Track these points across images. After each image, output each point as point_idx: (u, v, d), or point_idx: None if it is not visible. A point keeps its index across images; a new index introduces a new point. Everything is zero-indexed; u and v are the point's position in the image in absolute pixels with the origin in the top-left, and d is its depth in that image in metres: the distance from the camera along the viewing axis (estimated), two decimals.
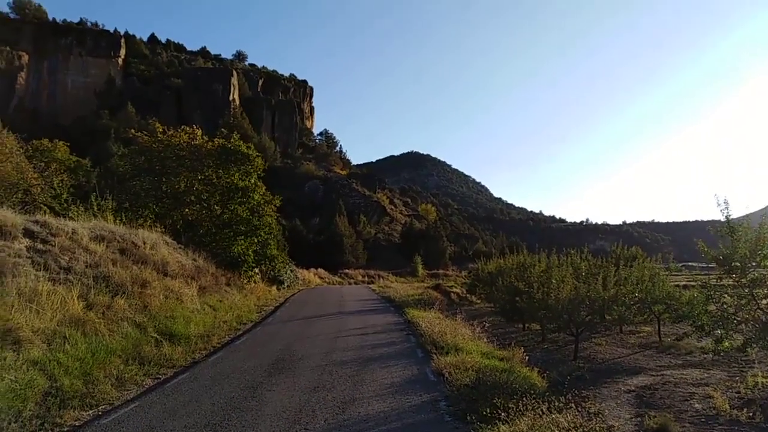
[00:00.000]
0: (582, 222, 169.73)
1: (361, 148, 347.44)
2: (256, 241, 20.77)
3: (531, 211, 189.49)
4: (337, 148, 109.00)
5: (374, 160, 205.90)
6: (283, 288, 25.41)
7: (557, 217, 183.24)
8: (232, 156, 20.59)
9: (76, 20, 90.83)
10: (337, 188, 78.33)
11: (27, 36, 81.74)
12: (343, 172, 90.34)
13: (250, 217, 20.63)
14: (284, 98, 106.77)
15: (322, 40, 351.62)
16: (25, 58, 79.62)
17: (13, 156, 15.23)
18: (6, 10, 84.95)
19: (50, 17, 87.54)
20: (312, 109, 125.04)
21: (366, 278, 43.65)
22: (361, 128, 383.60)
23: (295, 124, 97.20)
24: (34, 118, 74.16)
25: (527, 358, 9.30)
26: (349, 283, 40.64)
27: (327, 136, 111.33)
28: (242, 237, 20.29)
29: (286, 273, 26.98)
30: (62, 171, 19.31)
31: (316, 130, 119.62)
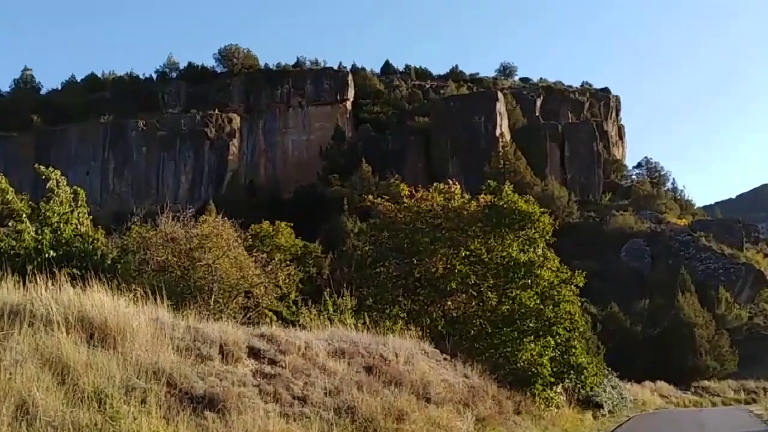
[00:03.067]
0: None
1: (709, 179, 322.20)
2: (552, 342, 20.44)
3: None
4: (669, 185, 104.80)
5: (734, 196, 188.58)
6: (603, 415, 24.36)
7: None
8: (505, 218, 21.13)
9: (291, 61, 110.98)
10: (673, 248, 73.98)
11: (237, 91, 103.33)
12: (682, 221, 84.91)
13: (540, 306, 20.49)
14: (576, 119, 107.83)
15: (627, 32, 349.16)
16: (236, 120, 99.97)
17: (231, 249, 18.53)
18: (211, 62, 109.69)
19: (261, 64, 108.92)
20: (621, 130, 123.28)
21: (742, 395, 39.16)
22: (703, 149, 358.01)
23: (596, 155, 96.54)
24: (250, 193, 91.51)
25: None
26: (712, 404, 36.73)
27: (649, 168, 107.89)
28: (531, 337, 20.22)
29: (604, 391, 26.10)
30: (288, 262, 22.58)
31: (629, 161, 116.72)
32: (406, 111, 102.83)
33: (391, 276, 20.92)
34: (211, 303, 16.78)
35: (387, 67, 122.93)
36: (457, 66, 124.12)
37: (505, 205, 21.37)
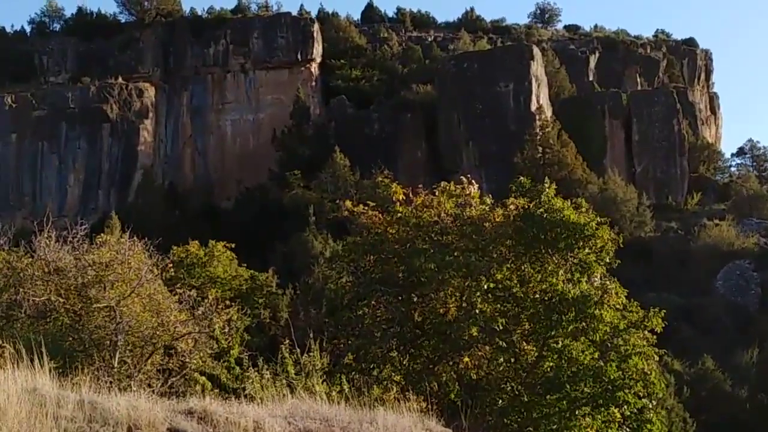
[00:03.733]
0: None
1: None
2: (617, 416, 20.43)
3: None
4: None
5: None
6: None
7: None
8: (545, 233, 21.14)
9: (230, 5, 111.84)
10: None
11: (150, 50, 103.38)
12: None
13: (600, 362, 20.51)
14: (648, 86, 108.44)
15: None
16: (150, 92, 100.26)
17: (144, 284, 18.47)
18: (111, 8, 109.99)
19: (186, 9, 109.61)
20: (714, 101, 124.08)
21: None
22: None
23: (678, 138, 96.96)
24: (171, 201, 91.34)
25: None
26: None
27: (756, 156, 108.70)
28: (587, 408, 20.22)
29: None
30: (228, 301, 22.50)
31: (726, 146, 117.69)
32: (400, 76, 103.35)
33: (379, 321, 20.95)
34: (115, 364, 16.72)
35: (370, 11, 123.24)
36: (472, 9, 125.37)
37: (545, 214, 21.43)
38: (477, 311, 20.58)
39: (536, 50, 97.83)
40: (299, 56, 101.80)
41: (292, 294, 48.36)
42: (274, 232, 73.80)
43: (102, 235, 22.90)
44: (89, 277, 18.44)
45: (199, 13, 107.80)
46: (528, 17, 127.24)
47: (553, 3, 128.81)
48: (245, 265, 48.34)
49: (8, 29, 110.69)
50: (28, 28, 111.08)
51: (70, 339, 17.20)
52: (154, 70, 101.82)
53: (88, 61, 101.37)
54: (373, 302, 20.82)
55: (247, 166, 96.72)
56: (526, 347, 20.68)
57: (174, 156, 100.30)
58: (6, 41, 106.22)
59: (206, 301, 20.78)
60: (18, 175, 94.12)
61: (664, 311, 22.24)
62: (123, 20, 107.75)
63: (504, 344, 20.64)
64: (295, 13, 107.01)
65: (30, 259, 19.47)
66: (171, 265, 25.34)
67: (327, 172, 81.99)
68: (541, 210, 21.41)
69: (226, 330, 19.62)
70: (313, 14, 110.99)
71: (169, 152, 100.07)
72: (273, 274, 52.61)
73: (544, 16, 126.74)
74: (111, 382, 13.24)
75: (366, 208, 23.15)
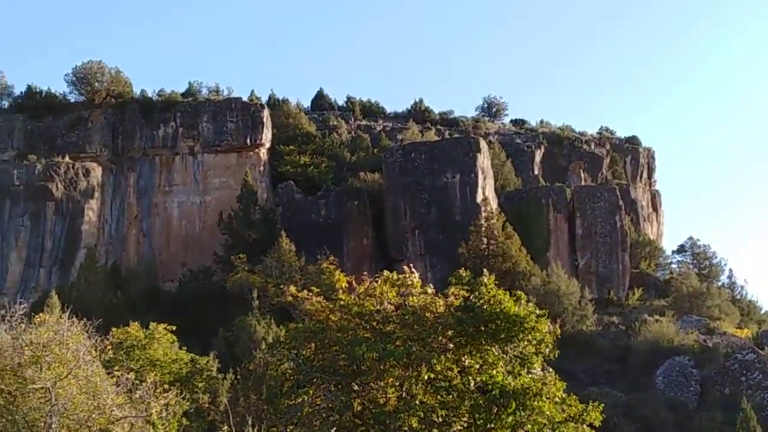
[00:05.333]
0: None
1: None
2: None
3: None
4: (724, 278, 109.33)
5: None
6: None
7: None
8: (485, 324, 21.32)
9: (181, 88, 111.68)
10: (732, 371, 75.09)
11: (99, 130, 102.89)
12: (744, 332, 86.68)
13: None
14: (592, 181, 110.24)
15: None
16: (97, 172, 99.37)
17: (81, 366, 18.26)
18: (61, 87, 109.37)
19: (136, 91, 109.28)
20: (656, 198, 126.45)
21: None
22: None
23: (620, 233, 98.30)
24: (114, 281, 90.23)
25: None
26: None
27: (696, 253, 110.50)
28: None
29: None
30: (167, 385, 22.31)
31: (667, 243, 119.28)
32: (348, 163, 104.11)
33: (319, 409, 20.84)
34: None
35: (320, 99, 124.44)
36: (421, 101, 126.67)
37: (485, 306, 21.61)
38: (417, 402, 20.55)
39: (483, 143, 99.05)
40: (248, 141, 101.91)
41: (233, 379, 47.82)
42: (217, 316, 73.04)
43: (41, 314, 22.66)
44: (26, 357, 18.24)
45: (150, 95, 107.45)
46: (475, 110, 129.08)
47: (500, 97, 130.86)
48: (186, 348, 47.85)
49: None
50: None
51: (4, 421, 16.91)
52: (102, 150, 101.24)
53: (36, 139, 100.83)
54: (313, 390, 20.70)
55: (193, 248, 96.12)
56: None
57: (118, 236, 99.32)
58: None
59: (144, 384, 20.59)
60: None
61: (603, 405, 22.39)
62: (72, 100, 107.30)
63: None
64: (245, 98, 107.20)
65: None
66: (110, 346, 25.08)
67: (272, 257, 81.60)
68: (481, 302, 21.55)
69: (164, 414, 19.40)
70: (264, 100, 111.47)
71: (113, 232, 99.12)
72: (214, 358, 52.09)
73: (491, 109, 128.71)
74: None
75: (310, 294, 23.17)
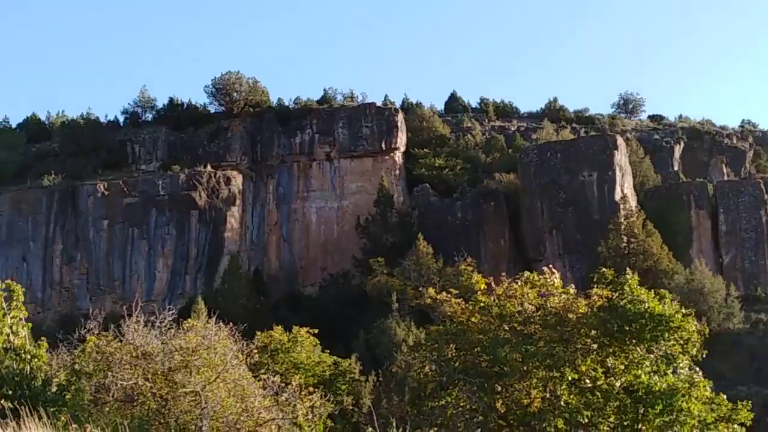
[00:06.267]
0: None
1: None
2: None
3: None
4: None
5: None
6: None
7: None
8: (629, 324, 20.83)
9: (316, 95, 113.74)
10: None
11: (238, 139, 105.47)
12: None
13: None
14: (735, 175, 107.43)
15: None
16: (237, 180, 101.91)
17: (229, 370, 18.58)
18: (201, 98, 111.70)
19: (273, 100, 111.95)
20: None
21: None
22: None
23: (767, 228, 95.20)
24: (257, 287, 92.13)
25: None
26: None
27: None
28: None
29: None
30: (312, 388, 22.51)
31: None
32: (483, 165, 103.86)
33: (462, 410, 20.72)
34: None
35: (453, 101, 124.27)
36: (556, 99, 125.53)
37: (629, 305, 21.12)
38: (562, 403, 20.21)
39: (620, 140, 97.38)
40: (383, 145, 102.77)
41: (375, 381, 48.08)
42: (357, 319, 73.82)
43: (189, 320, 23.21)
44: (176, 362, 18.65)
45: (286, 103, 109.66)
46: (611, 107, 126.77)
47: (637, 93, 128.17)
48: (328, 351, 48.28)
49: (102, 119, 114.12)
50: (121, 118, 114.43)
51: (157, 424, 17.32)
52: (242, 158, 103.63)
53: (178, 149, 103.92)
54: (456, 392, 20.59)
55: (331, 252, 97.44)
56: None
57: (260, 242, 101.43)
58: (100, 130, 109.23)
59: (290, 387, 20.85)
60: (109, 261, 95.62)
61: (752, 404, 21.64)
62: (212, 110, 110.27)
63: None
64: (379, 103, 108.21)
65: (119, 343, 19.77)
66: (255, 350, 25.51)
67: (410, 260, 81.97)
68: (625, 301, 21.07)
69: (310, 416, 19.57)
70: (398, 104, 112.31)
71: (255, 239, 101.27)
72: (356, 361, 52.46)
73: (627, 106, 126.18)
74: None
75: (448, 296, 23.07)
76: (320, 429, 19.00)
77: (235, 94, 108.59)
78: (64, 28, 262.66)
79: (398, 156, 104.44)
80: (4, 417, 10.88)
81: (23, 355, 15.38)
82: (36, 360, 15.49)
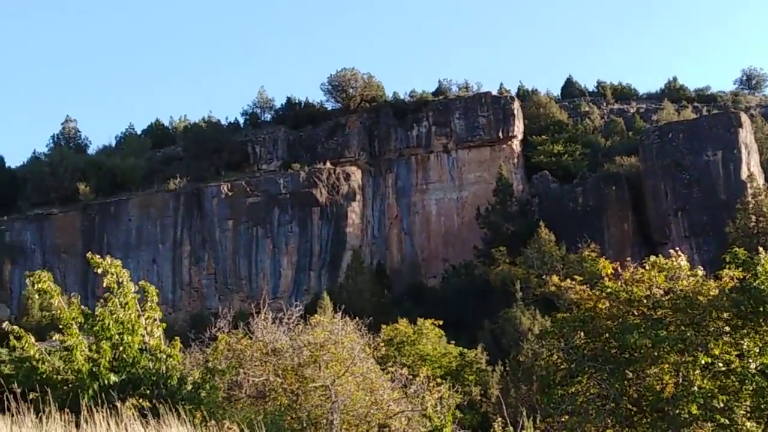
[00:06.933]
0: None
1: None
2: None
3: None
4: None
5: None
6: None
7: None
8: (764, 304, 20.16)
9: (431, 88, 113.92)
10: None
11: (356, 135, 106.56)
12: None
13: None
14: None
15: None
16: (356, 176, 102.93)
17: (357, 363, 18.72)
18: (318, 96, 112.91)
19: (388, 94, 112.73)
20: None
21: None
22: None
23: None
24: (380, 280, 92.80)
25: None
26: None
27: None
28: None
29: None
30: (439, 379, 22.58)
31: None
32: (602, 149, 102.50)
33: (593, 397, 20.38)
34: None
35: (569, 86, 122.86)
36: (675, 79, 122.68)
37: (762, 286, 20.44)
38: (696, 388, 19.70)
39: (744, 117, 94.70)
40: (500, 134, 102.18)
41: (502, 371, 47.93)
42: (481, 309, 73.61)
43: (315, 315, 23.50)
44: (305, 357, 18.89)
45: (402, 97, 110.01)
46: (734, 84, 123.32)
47: (760, 69, 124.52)
48: (453, 342, 48.33)
49: (223, 121, 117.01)
50: (241, 120, 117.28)
51: (289, 418, 17.56)
52: (360, 154, 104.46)
53: (298, 148, 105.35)
54: (586, 379, 20.29)
55: (452, 244, 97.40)
56: (749, 425, 19.60)
57: (381, 236, 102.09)
58: (222, 132, 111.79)
59: (418, 379, 20.91)
60: (235, 260, 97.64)
61: None
62: (329, 108, 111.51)
63: (726, 422, 19.64)
64: (495, 92, 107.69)
65: (248, 341, 20.12)
66: (382, 343, 25.69)
67: (532, 248, 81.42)
68: (758, 281, 20.40)
69: (438, 408, 19.57)
70: (513, 92, 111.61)
71: (376, 233, 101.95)
72: (482, 351, 52.39)
73: (750, 82, 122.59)
74: None
75: (573, 283, 22.74)
76: (449, 420, 18.96)
77: (351, 90, 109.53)
78: (183, 35, 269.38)
79: (516, 144, 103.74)
80: (144, 416, 11.17)
81: (158, 355, 15.73)
82: (171, 359, 15.83)
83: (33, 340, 14.98)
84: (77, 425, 10.61)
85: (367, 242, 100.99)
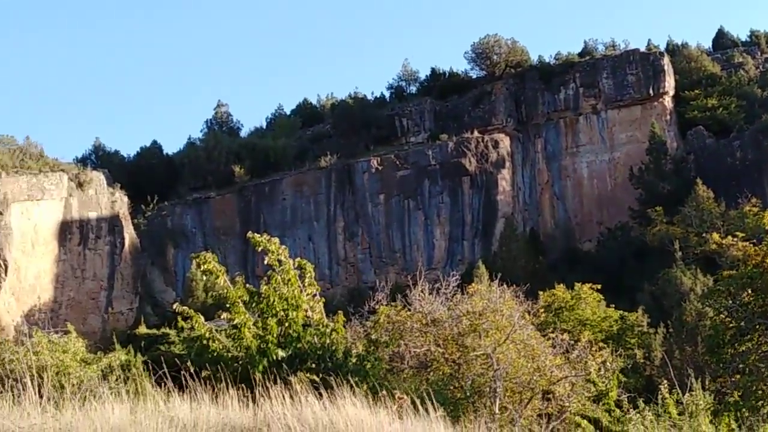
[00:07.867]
0: None
1: None
2: None
3: None
4: None
5: None
6: None
7: None
8: None
9: (576, 49, 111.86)
10: None
11: (502, 102, 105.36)
12: None
13: None
14: None
15: None
16: (505, 143, 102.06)
17: (517, 331, 18.74)
18: (461, 65, 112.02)
19: (533, 58, 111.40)
20: None
21: None
22: None
23: None
24: (534, 247, 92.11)
25: None
26: None
27: None
28: None
29: None
30: (601, 343, 22.41)
31: None
32: (759, 100, 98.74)
33: (766, 355, 19.82)
34: (496, 410, 17.00)
35: (721, 38, 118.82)
36: None
37: None
38: None
39: None
40: (651, 91, 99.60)
41: (665, 332, 46.98)
42: (639, 271, 72.36)
43: (472, 285, 23.54)
44: (464, 326, 18.98)
45: (547, 60, 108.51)
46: None
47: None
48: (612, 306, 47.64)
49: (369, 96, 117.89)
50: (387, 94, 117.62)
51: (452, 387, 17.71)
52: (508, 120, 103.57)
53: (444, 118, 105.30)
54: (756, 336, 19.75)
55: (606, 206, 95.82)
56: None
57: (532, 202, 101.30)
58: (369, 108, 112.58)
59: (579, 344, 20.75)
60: (388, 233, 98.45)
61: None
62: (474, 76, 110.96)
63: None
64: (643, 48, 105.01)
65: (407, 312, 20.33)
66: (541, 310, 25.57)
67: (690, 206, 79.28)
68: None
69: (602, 372, 19.39)
70: (662, 47, 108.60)
71: (527, 199, 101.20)
72: (642, 314, 51.48)
73: None
74: (495, 430, 13.47)
75: (735, 240, 22.15)
76: (614, 384, 18.75)
77: (495, 56, 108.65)
78: (325, 14, 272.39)
79: (667, 101, 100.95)
80: (316, 388, 11.44)
81: (322, 329, 16.07)
82: (335, 333, 16.15)
83: (203, 320, 15.56)
84: (253, 400, 10.96)
85: (519, 209, 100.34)
